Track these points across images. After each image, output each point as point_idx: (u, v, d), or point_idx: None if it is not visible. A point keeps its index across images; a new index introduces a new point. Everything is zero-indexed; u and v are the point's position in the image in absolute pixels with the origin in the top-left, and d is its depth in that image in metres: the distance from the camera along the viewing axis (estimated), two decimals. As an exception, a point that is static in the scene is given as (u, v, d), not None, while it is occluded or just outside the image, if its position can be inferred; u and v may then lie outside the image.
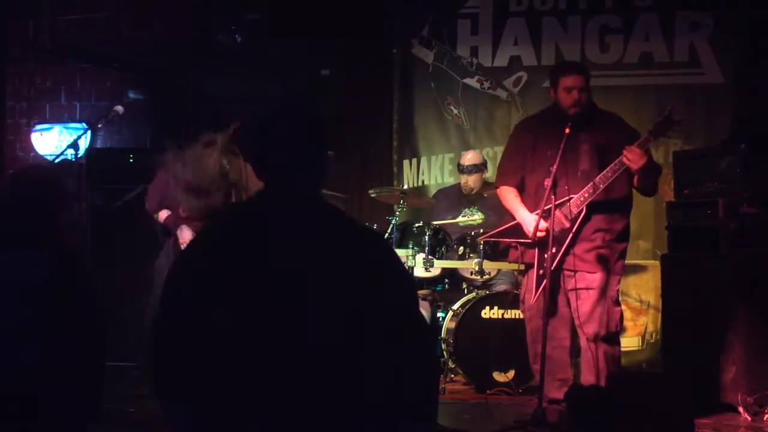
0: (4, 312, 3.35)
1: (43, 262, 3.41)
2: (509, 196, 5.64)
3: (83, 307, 3.43)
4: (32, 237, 3.47)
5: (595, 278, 5.40)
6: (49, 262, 3.42)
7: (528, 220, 5.45)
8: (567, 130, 5.17)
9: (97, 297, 3.53)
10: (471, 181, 7.49)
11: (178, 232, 6.11)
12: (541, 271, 5.40)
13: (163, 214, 6.29)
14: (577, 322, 5.46)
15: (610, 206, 5.40)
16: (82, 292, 3.47)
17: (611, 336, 5.45)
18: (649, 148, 5.31)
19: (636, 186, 5.44)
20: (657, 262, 6.73)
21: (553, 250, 5.32)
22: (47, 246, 3.46)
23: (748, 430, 5.42)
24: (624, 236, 5.52)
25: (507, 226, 5.66)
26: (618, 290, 5.53)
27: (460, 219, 7.30)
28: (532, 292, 5.47)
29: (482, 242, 6.65)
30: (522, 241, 5.49)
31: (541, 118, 5.65)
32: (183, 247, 5.96)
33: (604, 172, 5.24)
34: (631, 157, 5.08)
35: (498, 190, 5.83)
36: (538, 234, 5.30)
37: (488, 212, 7.35)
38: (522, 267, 5.73)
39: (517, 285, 6.72)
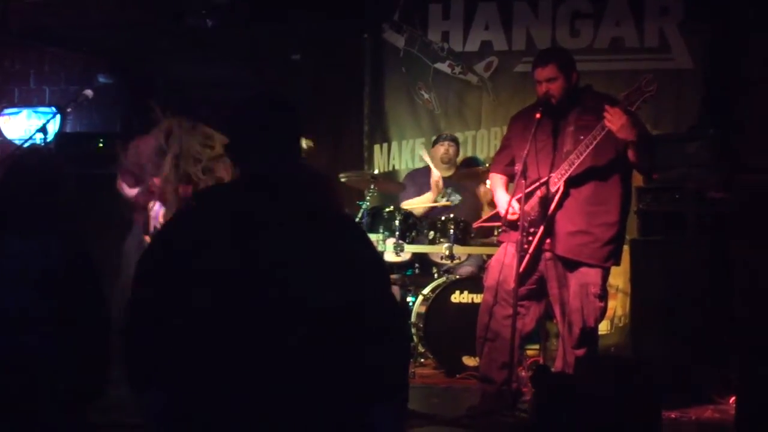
0: (20, 300, 3.33)
1: (57, 248, 3.40)
2: (494, 182, 5.60)
3: (95, 291, 3.42)
4: (38, 220, 3.45)
5: (575, 266, 5.21)
6: (63, 249, 3.41)
7: (501, 202, 5.40)
8: (538, 115, 5.11)
9: (103, 280, 3.52)
10: (451, 149, 7.54)
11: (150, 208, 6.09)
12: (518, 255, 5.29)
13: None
14: (556, 312, 5.36)
15: (597, 189, 5.18)
16: (94, 276, 3.46)
17: (586, 333, 5.22)
18: (641, 120, 5.23)
19: (633, 162, 5.17)
20: (626, 247, 6.74)
21: (531, 230, 5.19)
22: (53, 229, 3.43)
23: (715, 413, 5.44)
24: (613, 224, 5.20)
25: (495, 211, 5.60)
26: (601, 284, 5.18)
27: (441, 202, 7.30)
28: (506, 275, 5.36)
29: (452, 227, 6.69)
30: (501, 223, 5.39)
31: (534, 107, 5.49)
32: (155, 223, 5.99)
33: (579, 145, 5.07)
34: (610, 116, 4.91)
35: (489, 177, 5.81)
36: (509, 216, 5.24)
37: (465, 195, 7.38)
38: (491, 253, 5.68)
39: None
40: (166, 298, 2.58)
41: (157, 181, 5.88)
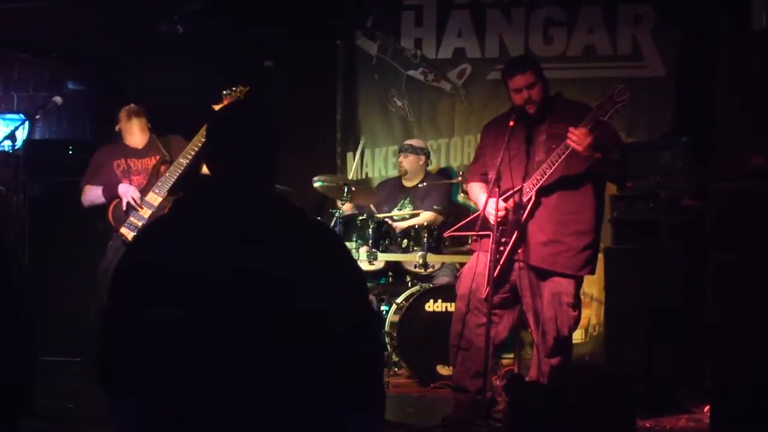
0: None
1: None
2: (474, 190, 5.57)
3: (13, 303, 3.36)
4: None
5: (548, 275, 5.22)
6: None
7: (486, 206, 5.27)
8: (511, 123, 5.09)
9: (27, 293, 3.46)
10: (406, 162, 7.55)
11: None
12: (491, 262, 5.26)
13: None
14: (529, 321, 5.33)
15: (569, 198, 5.19)
16: (14, 289, 3.39)
17: (560, 342, 5.23)
18: (614, 131, 5.26)
19: (601, 174, 5.22)
20: (600, 255, 6.74)
21: (503, 240, 5.18)
22: None
23: (689, 422, 5.45)
24: (586, 233, 5.21)
25: (470, 218, 5.56)
26: (574, 293, 5.20)
27: (395, 213, 7.31)
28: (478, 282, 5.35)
29: (425, 235, 6.71)
30: (480, 233, 5.32)
31: (506, 116, 5.45)
32: (127, 200, 6.16)
33: (551, 156, 5.05)
34: (575, 138, 4.88)
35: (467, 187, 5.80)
36: (501, 214, 5.13)
37: (417, 202, 7.37)
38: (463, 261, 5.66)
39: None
40: (140, 306, 2.57)
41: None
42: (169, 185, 6.12)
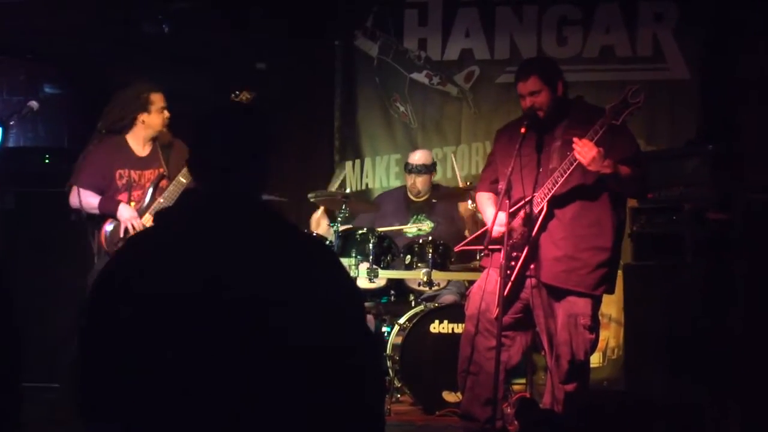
0: None
1: None
2: (482, 201, 5.57)
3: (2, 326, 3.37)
4: None
5: (563, 294, 5.18)
6: None
7: (490, 219, 5.31)
8: (522, 130, 5.07)
9: (15, 314, 3.47)
10: (419, 182, 7.52)
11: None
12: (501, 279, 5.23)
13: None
14: (543, 343, 5.33)
15: (586, 210, 5.16)
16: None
17: (576, 367, 5.18)
18: (632, 139, 5.23)
19: (613, 188, 5.17)
20: (619, 272, 6.74)
21: (514, 255, 5.16)
22: None
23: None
24: (604, 249, 5.15)
25: (479, 232, 5.56)
26: (591, 314, 5.15)
27: (408, 227, 7.29)
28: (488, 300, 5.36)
29: (430, 250, 6.69)
30: (492, 247, 5.27)
31: (520, 121, 5.44)
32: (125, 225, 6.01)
33: (561, 165, 5.03)
34: (580, 149, 4.88)
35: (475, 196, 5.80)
36: (496, 229, 5.15)
37: (438, 220, 7.35)
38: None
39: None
40: (120, 326, 2.57)
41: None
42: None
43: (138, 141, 6.17)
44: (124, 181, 6.15)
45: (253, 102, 6.05)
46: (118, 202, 6.04)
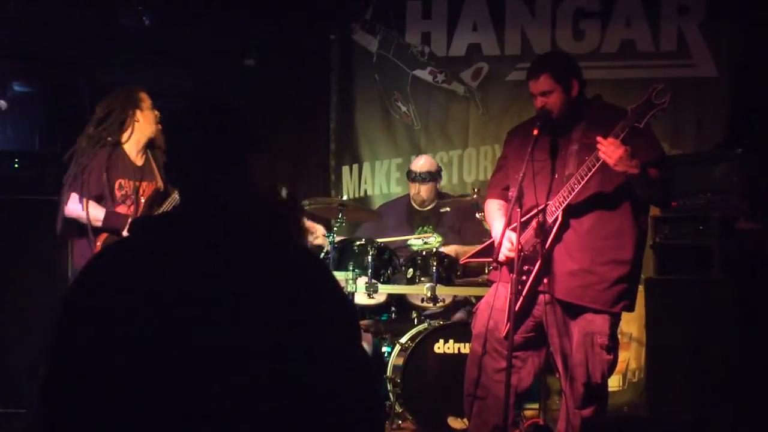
0: None
1: None
2: (490, 209, 5.52)
3: None
4: None
5: (579, 312, 5.13)
6: None
7: (497, 235, 5.28)
8: (535, 132, 5.02)
9: None
10: (423, 191, 7.48)
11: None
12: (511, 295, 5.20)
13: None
14: (558, 364, 5.27)
15: (605, 220, 5.10)
16: None
17: (593, 390, 5.11)
18: (656, 142, 5.16)
19: (639, 193, 5.11)
20: (641, 288, 6.67)
21: (525, 268, 5.12)
22: None
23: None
24: (623, 262, 5.09)
25: (487, 242, 5.51)
26: (609, 333, 5.07)
27: (414, 240, 7.16)
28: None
29: (434, 263, 6.65)
30: (500, 260, 5.29)
31: (533, 121, 5.41)
32: None
33: (579, 170, 4.98)
34: (605, 148, 4.81)
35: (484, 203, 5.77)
36: (505, 254, 5.11)
37: (446, 232, 7.26)
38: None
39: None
40: (86, 345, 2.50)
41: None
42: None
43: (133, 149, 6.12)
44: (123, 191, 6.12)
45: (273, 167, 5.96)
46: (127, 217, 5.96)
